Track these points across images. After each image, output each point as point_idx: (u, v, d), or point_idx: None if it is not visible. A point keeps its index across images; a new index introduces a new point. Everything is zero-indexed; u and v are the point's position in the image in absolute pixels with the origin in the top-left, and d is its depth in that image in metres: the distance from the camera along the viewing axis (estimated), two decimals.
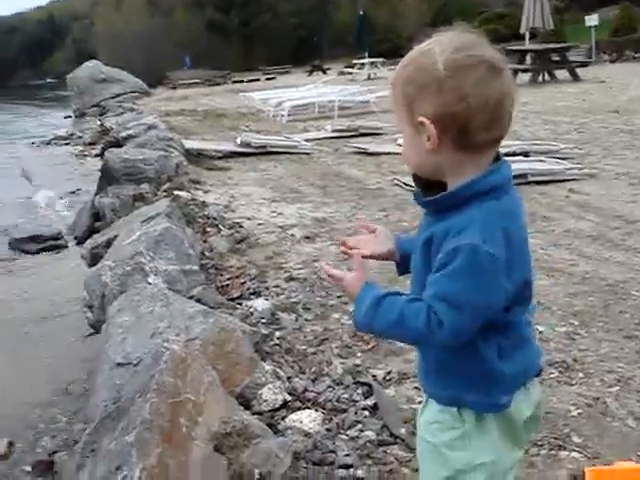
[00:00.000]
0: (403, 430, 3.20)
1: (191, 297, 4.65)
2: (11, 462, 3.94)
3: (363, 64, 31.28)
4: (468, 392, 1.70)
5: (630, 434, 3.08)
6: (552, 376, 3.60)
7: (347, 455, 2.97)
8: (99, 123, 20.88)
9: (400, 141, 11.47)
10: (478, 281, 1.56)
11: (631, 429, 3.13)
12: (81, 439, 2.88)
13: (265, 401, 3.51)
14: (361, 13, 34.41)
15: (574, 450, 2.96)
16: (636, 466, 2.29)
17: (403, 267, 1.92)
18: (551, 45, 22.83)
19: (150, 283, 4.80)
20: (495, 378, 1.68)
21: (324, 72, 34.31)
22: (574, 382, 3.58)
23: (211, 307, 4.33)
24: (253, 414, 3.34)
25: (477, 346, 1.66)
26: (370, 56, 31.45)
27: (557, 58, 21.93)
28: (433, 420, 1.77)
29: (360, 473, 2.86)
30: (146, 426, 2.46)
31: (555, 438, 3.01)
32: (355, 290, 1.75)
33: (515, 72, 21.30)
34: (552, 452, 2.91)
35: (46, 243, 8.29)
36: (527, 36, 24.89)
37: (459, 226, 1.59)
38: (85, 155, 16.16)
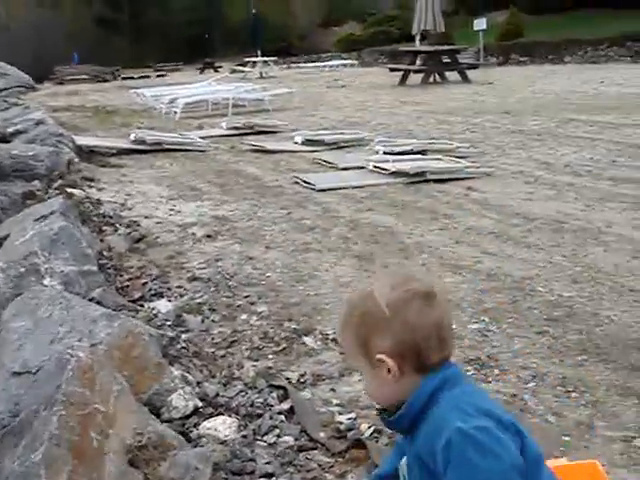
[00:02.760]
0: (322, 434, 3.10)
1: (91, 299, 4.40)
2: None
3: (255, 62, 31.19)
4: None
5: (551, 429, 3.07)
6: (468, 374, 3.56)
7: (268, 463, 2.84)
8: None
9: (297, 139, 11.43)
10: (487, 455, 1.56)
11: (551, 424, 3.12)
12: None
13: (175, 408, 3.33)
14: (254, 11, 34.28)
15: None
16: (567, 463, 2.24)
17: None
18: (442, 47, 23.30)
19: (46, 285, 4.53)
20: None
21: (216, 70, 33.93)
22: (490, 379, 3.55)
23: (112, 310, 4.11)
24: (163, 422, 3.16)
25: None
26: (263, 55, 31.36)
27: (447, 60, 22.39)
28: None
29: None
30: (55, 442, 2.26)
31: None
32: None
33: (406, 73, 21.72)
34: None
35: None
36: (418, 38, 25.35)
37: (435, 426, 1.62)
38: None
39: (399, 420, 1.72)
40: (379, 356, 1.68)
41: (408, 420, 1.70)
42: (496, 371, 3.63)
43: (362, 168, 9.11)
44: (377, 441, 2.98)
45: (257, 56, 31.62)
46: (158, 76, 34.73)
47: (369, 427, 3.08)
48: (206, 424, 3.18)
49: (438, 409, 1.65)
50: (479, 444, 1.56)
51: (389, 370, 1.68)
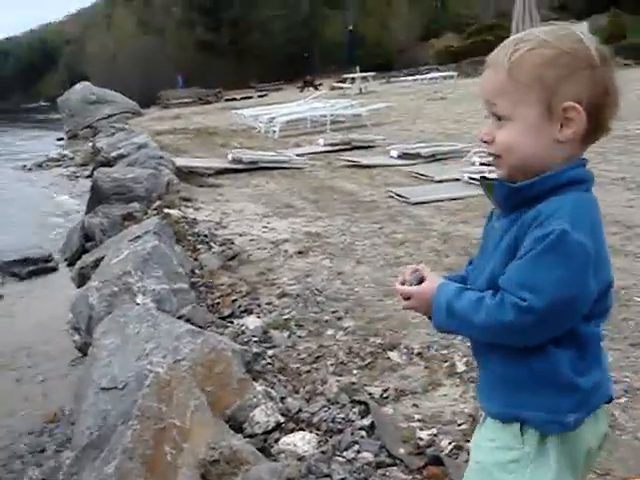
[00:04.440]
0: (402, 450, 3.05)
1: (180, 317, 4.50)
2: None
3: (354, 78, 31.33)
4: (534, 408, 1.57)
5: None
6: None
7: (343, 479, 2.82)
8: (91, 144, 20.77)
9: (394, 153, 11.37)
10: (563, 269, 1.46)
11: None
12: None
13: (257, 423, 3.36)
14: (350, 29, 34.48)
15: None
16: None
17: None
18: None
19: (138, 303, 4.66)
20: (567, 391, 1.55)
21: (316, 87, 34.31)
22: None
23: (201, 327, 4.18)
24: (245, 437, 3.19)
25: (550, 357, 1.54)
26: (361, 70, 31.50)
27: None
28: (489, 437, 1.64)
29: None
30: (128, 455, 2.31)
31: None
32: (428, 296, 1.67)
33: None
34: None
35: (36, 265, 8.14)
36: None
37: (548, 211, 1.51)
38: (77, 176, 16.05)
39: (525, 189, 1.57)
40: (570, 104, 1.52)
41: (533, 193, 1.55)
42: None
43: (458, 180, 9.00)
44: (456, 458, 2.92)
45: (356, 72, 31.78)
46: (260, 96, 35.36)
47: (449, 443, 3.02)
48: (286, 439, 3.19)
49: (562, 198, 1.52)
50: (569, 257, 1.46)
51: (562, 125, 1.53)
